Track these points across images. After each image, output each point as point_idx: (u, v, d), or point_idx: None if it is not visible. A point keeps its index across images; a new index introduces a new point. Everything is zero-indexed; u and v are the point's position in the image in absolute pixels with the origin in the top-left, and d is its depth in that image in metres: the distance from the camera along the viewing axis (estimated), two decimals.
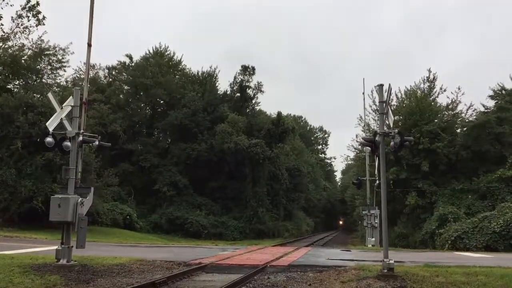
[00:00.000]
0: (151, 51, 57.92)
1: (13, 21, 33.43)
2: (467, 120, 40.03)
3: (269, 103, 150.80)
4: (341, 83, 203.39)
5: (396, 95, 42.37)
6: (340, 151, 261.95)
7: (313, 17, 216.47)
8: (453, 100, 40.53)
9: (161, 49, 58.23)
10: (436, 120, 39.04)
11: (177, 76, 59.30)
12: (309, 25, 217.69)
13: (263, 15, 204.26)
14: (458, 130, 40.77)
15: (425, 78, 41.77)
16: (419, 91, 41.60)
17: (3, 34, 33.36)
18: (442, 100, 42.27)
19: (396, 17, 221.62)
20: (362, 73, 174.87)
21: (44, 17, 33.60)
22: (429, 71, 41.85)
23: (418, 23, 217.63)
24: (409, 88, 42.38)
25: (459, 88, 40.37)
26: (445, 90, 40.84)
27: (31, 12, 33.24)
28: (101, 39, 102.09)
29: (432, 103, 40.81)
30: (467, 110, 40.32)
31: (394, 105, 41.48)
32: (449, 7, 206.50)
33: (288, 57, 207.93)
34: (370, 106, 40.91)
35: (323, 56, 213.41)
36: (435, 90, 41.58)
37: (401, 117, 40.61)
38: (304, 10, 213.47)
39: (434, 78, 41.59)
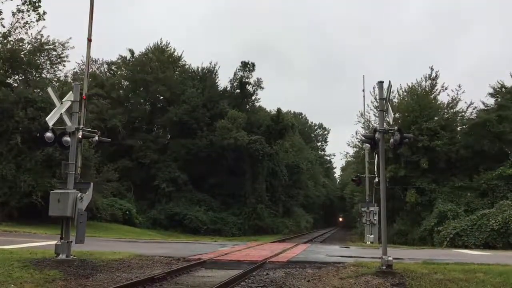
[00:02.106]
0: (152, 46, 57.81)
1: (14, 16, 33.33)
2: (467, 118, 40.05)
3: (272, 99, 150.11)
4: (347, 80, 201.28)
5: (398, 92, 42.38)
6: (339, 148, 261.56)
7: (334, 12, 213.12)
8: (454, 98, 40.59)
9: (162, 45, 58.08)
10: (436, 118, 39.05)
11: (176, 72, 59.19)
12: (328, 19, 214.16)
13: (280, 8, 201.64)
14: (458, 128, 40.79)
15: (427, 76, 41.79)
16: (419, 89, 41.59)
17: (5, 31, 33.23)
18: (443, 98, 42.37)
19: (416, 13, 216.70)
20: (377, 69, 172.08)
21: (44, 12, 33.46)
22: (431, 69, 41.86)
23: (439, 20, 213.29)
24: (410, 86, 42.37)
25: (459, 86, 40.45)
26: (446, 88, 40.91)
27: (31, 7, 33.11)
28: (111, 34, 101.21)
29: (433, 101, 40.81)
30: (467, 108, 40.39)
31: (395, 102, 41.54)
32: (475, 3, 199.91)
33: (299, 52, 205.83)
34: (372, 103, 40.89)
35: (338, 51, 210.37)
36: (436, 88, 41.62)
37: (400, 114, 40.63)
38: (325, 4, 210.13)
39: (436, 76, 41.60)
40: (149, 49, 57.30)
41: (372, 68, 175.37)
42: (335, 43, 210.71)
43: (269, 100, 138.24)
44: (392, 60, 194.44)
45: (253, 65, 59.64)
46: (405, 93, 42.48)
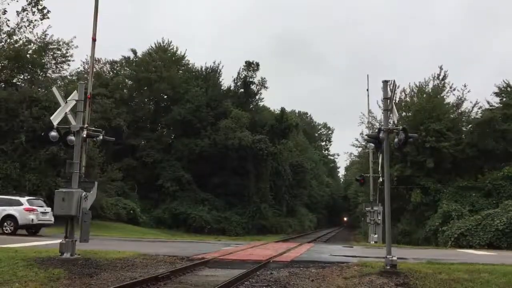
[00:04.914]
0: (154, 46, 57.83)
1: (18, 15, 33.51)
2: (472, 118, 39.92)
3: (278, 97, 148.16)
4: (355, 78, 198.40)
5: (404, 91, 42.26)
6: (343, 148, 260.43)
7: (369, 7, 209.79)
8: (459, 98, 40.50)
9: (164, 44, 58.12)
10: (442, 120, 38.79)
11: (180, 71, 59.25)
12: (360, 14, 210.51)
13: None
14: (464, 129, 40.62)
15: (436, 75, 41.58)
16: (428, 88, 41.39)
17: (9, 29, 33.41)
18: (451, 98, 42.20)
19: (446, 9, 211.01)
20: (405, 66, 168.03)
21: (48, 11, 33.68)
22: (440, 68, 41.69)
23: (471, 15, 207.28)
24: (417, 85, 42.19)
25: (465, 86, 40.33)
26: (454, 89, 40.82)
27: (36, 7, 33.31)
28: (115, 32, 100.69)
29: (440, 102, 40.63)
30: (473, 107, 40.29)
31: (404, 101, 41.43)
32: None
33: (306, 51, 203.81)
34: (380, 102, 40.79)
35: (359, 49, 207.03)
36: (444, 88, 41.50)
37: (409, 114, 40.51)
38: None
39: (444, 76, 41.42)
40: (152, 48, 57.40)
41: (391, 67, 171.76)
42: (356, 42, 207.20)
43: (274, 99, 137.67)
44: (419, 58, 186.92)
45: (257, 64, 59.65)
46: (413, 92, 42.36)
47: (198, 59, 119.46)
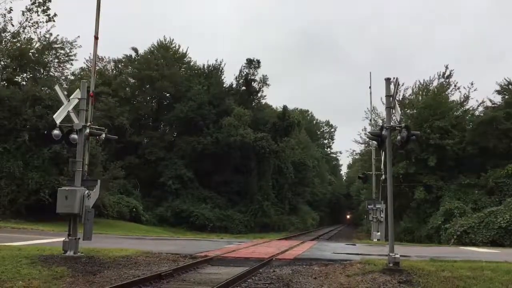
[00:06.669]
0: (156, 44, 57.78)
1: (23, 15, 33.57)
2: (476, 115, 39.90)
3: (281, 96, 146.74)
4: (360, 76, 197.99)
5: (413, 89, 42.29)
6: (347, 146, 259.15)
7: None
8: (465, 95, 40.48)
9: (166, 42, 58.05)
10: (446, 117, 38.77)
11: (182, 69, 59.22)
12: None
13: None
14: (468, 127, 40.62)
15: (441, 74, 41.54)
16: (433, 86, 41.36)
17: (14, 28, 33.49)
18: (456, 96, 42.21)
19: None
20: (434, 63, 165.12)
21: (55, 14, 33.78)
22: (446, 67, 41.71)
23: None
24: (422, 83, 42.18)
25: (472, 84, 40.30)
26: (458, 88, 40.79)
27: (41, 8, 33.36)
28: (118, 30, 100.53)
29: (444, 100, 40.62)
30: (478, 106, 40.28)
31: (409, 98, 41.42)
32: None
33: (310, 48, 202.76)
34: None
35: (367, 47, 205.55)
36: (449, 86, 41.50)
37: (414, 111, 40.48)
38: None
39: (450, 75, 41.38)
40: (154, 46, 57.36)
41: (398, 65, 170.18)
42: (363, 40, 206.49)
43: (277, 97, 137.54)
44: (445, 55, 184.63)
45: (258, 62, 59.51)
46: (417, 90, 42.34)
47: (201, 57, 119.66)
